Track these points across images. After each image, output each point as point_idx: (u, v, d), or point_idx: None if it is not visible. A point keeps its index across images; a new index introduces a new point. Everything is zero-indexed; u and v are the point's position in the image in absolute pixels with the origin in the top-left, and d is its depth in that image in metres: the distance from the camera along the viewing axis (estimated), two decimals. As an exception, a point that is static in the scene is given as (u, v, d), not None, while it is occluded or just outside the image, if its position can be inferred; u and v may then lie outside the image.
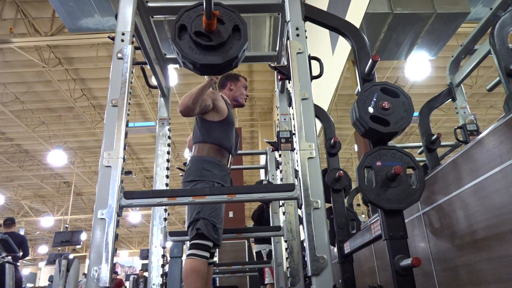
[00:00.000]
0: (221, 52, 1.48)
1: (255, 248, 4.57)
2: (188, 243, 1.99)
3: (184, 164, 3.84)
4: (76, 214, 17.93)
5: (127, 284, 12.64)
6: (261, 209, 4.42)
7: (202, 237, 1.90)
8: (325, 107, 5.47)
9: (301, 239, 2.14)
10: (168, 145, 2.44)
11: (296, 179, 1.42)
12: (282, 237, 2.48)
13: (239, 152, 5.31)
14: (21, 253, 5.27)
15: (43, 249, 21.34)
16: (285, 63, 1.73)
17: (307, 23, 1.69)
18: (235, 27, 1.52)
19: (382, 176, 1.34)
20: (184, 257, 2.84)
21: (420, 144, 2.70)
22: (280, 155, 2.55)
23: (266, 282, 4.31)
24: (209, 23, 1.45)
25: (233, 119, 2.25)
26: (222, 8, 1.52)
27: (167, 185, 2.34)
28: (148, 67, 2.24)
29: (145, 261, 10.99)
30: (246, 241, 5.63)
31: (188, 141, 2.51)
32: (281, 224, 2.45)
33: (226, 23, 1.50)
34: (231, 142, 2.18)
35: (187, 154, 3.81)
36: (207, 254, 1.90)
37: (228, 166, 2.18)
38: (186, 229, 2.02)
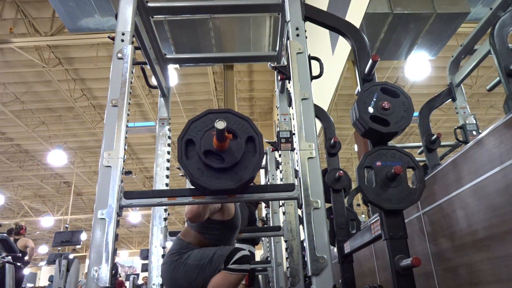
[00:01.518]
0: (234, 174, 1.31)
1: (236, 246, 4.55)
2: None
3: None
4: (76, 214, 17.93)
5: (127, 284, 12.64)
6: (244, 207, 4.40)
7: (235, 252, 1.77)
8: (325, 107, 5.47)
9: (301, 239, 2.14)
10: (168, 145, 2.44)
11: (296, 179, 1.42)
12: (282, 237, 2.48)
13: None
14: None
15: (43, 249, 21.35)
16: (285, 63, 1.73)
17: (307, 23, 1.69)
18: (249, 138, 1.36)
19: (382, 176, 1.34)
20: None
21: (420, 144, 2.70)
22: (280, 155, 2.55)
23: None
24: (221, 145, 1.30)
25: (239, 222, 2.04)
26: (233, 117, 1.37)
27: (167, 185, 2.34)
28: (148, 67, 2.24)
29: (145, 261, 10.99)
30: None
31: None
32: (281, 224, 2.44)
33: (238, 137, 1.34)
34: (229, 240, 1.99)
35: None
36: (247, 267, 1.76)
37: None
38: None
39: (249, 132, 1.36)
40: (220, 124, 1.22)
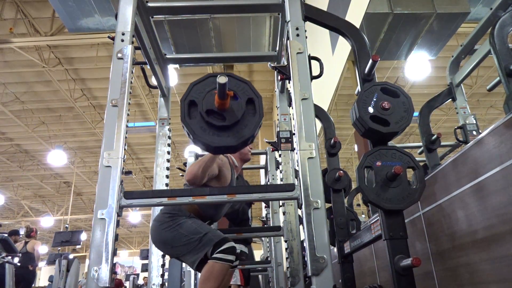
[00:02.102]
0: (235, 132, 1.37)
1: None
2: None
3: (184, 164, 3.85)
4: (76, 214, 17.93)
5: (127, 284, 12.64)
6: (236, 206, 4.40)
7: (222, 242, 1.82)
8: (325, 107, 5.47)
9: (301, 239, 2.14)
10: (168, 145, 2.44)
11: (296, 179, 1.42)
12: (282, 237, 2.48)
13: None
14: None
15: (43, 249, 21.35)
16: (285, 63, 1.73)
17: (307, 23, 1.69)
18: (249, 100, 1.42)
19: (382, 176, 1.34)
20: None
21: (420, 144, 2.70)
22: (280, 155, 2.55)
23: (231, 283, 4.31)
24: (222, 102, 1.35)
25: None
26: (234, 80, 1.42)
27: (167, 185, 2.34)
28: (148, 67, 2.24)
29: (145, 261, 10.99)
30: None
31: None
32: (281, 224, 2.44)
33: (239, 98, 1.40)
34: (217, 214, 2.09)
35: (187, 154, 3.81)
36: (233, 258, 1.81)
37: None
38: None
39: (249, 94, 1.42)
40: (222, 79, 1.27)
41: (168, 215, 1.91)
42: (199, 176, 1.85)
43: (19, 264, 5.01)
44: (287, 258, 2.31)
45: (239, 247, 4.38)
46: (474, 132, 2.56)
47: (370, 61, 1.51)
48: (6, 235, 4.75)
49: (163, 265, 2.16)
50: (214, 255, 1.78)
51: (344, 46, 4.41)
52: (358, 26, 2.52)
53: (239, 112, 1.38)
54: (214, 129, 1.37)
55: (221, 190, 1.56)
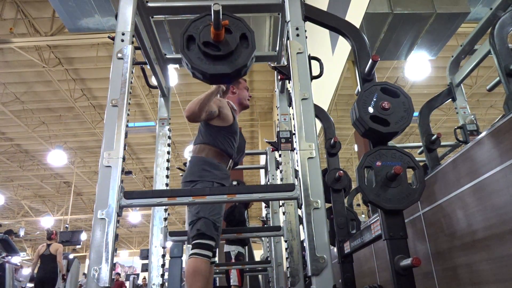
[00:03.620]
0: (230, 62, 1.48)
1: (225, 248, 4.58)
2: (187, 243, 1.99)
3: (184, 164, 3.85)
4: (76, 214, 17.93)
5: (127, 284, 12.64)
6: (232, 208, 4.41)
7: (203, 237, 1.90)
8: (325, 107, 5.47)
9: (301, 239, 2.14)
10: (168, 145, 2.44)
11: (296, 179, 1.42)
12: (282, 237, 2.48)
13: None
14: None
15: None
16: (285, 63, 1.73)
17: (307, 23, 1.69)
18: (243, 35, 1.52)
19: (382, 176, 1.34)
20: (184, 257, 2.83)
21: (420, 144, 2.70)
22: (280, 155, 2.55)
23: (231, 284, 4.32)
24: (217, 33, 1.45)
25: (237, 128, 2.27)
26: (228, 17, 1.51)
27: (167, 185, 2.34)
28: (148, 67, 2.24)
29: (145, 261, 10.98)
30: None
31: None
32: (281, 224, 2.44)
33: (233, 32, 1.50)
34: (233, 149, 2.20)
35: (187, 154, 3.80)
36: (210, 253, 1.90)
37: (227, 168, 2.19)
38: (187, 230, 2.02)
39: (243, 29, 1.53)
40: (216, 6, 1.37)
41: (189, 178, 2.03)
42: (196, 112, 1.96)
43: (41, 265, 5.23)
44: (287, 258, 2.31)
45: (236, 248, 4.39)
46: (474, 132, 2.56)
47: (370, 61, 1.51)
48: (6, 235, 4.76)
49: (163, 265, 2.16)
50: (192, 251, 1.89)
51: (344, 46, 4.41)
52: (358, 26, 2.52)
53: (233, 43, 1.49)
54: (210, 59, 1.48)
55: (221, 190, 1.56)
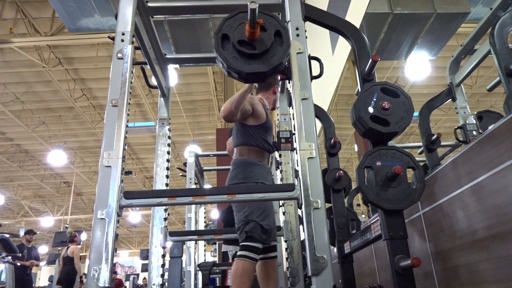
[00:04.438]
0: (265, 60, 1.47)
1: (223, 248, 4.58)
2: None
3: (184, 164, 3.84)
4: (76, 214, 17.93)
5: (127, 284, 12.64)
6: (229, 207, 4.40)
7: (251, 240, 1.96)
8: (325, 107, 5.47)
9: (301, 239, 2.14)
10: (168, 145, 2.44)
11: (296, 179, 1.42)
12: (282, 237, 2.48)
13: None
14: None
15: (43, 249, 21.33)
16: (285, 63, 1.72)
17: (307, 23, 1.69)
18: (277, 32, 1.51)
19: (382, 176, 1.34)
20: (184, 257, 2.83)
21: (420, 144, 2.70)
22: (280, 155, 2.55)
23: (228, 284, 4.32)
24: (252, 31, 1.44)
25: (271, 123, 2.32)
26: (262, 15, 1.51)
27: (167, 185, 2.34)
28: (148, 67, 2.24)
29: (145, 261, 10.99)
30: None
31: (227, 144, 2.60)
32: (281, 224, 2.44)
33: (268, 30, 1.50)
34: (269, 144, 2.26)
35: (188, 154, 3.81)
36: (257, 256, 1.96)
37: (269, 165, 2.28)
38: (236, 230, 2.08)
39: (277, 26, 1.52)
40: (253, 5, 1.36)
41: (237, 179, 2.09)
42: (233, 111, 2.00)
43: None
44: (287, 258, 2.31)
45: (234, 248, 4.39)
46: (474, 132, 2.56)
47: (370, 61, 1.51)
48: (6, 235, 4.74)
49: (163, 265, 2.16)
50: (239, 253, 1.95)
51: (344, 46, 4.41)
52: (358, 26, 2.52)
53: (268, 41, 1.48)
54: (246, 58, 1.47)
55: (221, 190, 1.56)
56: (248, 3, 1.36)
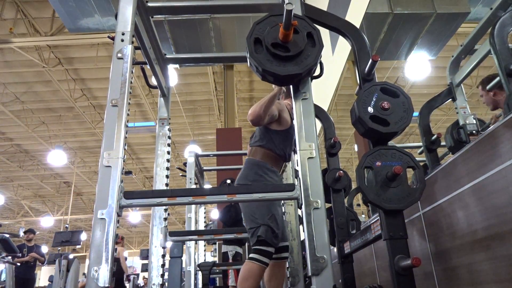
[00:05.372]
0: (299, 62, 1.47)
1: (223, 248, 4.59)
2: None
3: (184, 164, 3.84)
4: (76, 214, 17.93)
5: (127, 284, 12.62)
6: (228, 207, 4.41)
7: (264, 244, 1.96)
8: (325, 107, 5.47)
9: (301, 239, 2.14)
10: (168, 145, 2.44)
11: (296, 179, 1.42)
12: (282, 237, 2.48)
13: (239, 152, 5.32)
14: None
15: (43, 249, 21.32)
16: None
17: (307, 23, 1.68)
18: (308, 34, 1.51)
19: (382, 176, 1.34)
20: (184, 257, 2.83)
21: (420, 144, 2.70)
22: (280, 155, 2.55)
23: (229, 284, 4.32)
24: (286, 33, 1.44)
25: (294, 131, 2.30)
26: (294, 17, 1.51)
27: (167, 185, 2.34)
28: (148, 67, 2.24)
29: (145, 261, 10.98)
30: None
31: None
32: (281, 224, 2.44)
33: (300, 32, 1.50)
34: (288, 152, 2.23)
35: (188, 154, 3.80)
36: (268, 261, 1.96)
37: (280, 173, 2.26)
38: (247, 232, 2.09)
39: (308, 28, 1.52)
40: (289, 6, 1.35)
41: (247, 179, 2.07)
42: (261, 115, 1.98)
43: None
44: (287, 258, 2.30)
45: (234, 248, 4.39)
46: (474, 132, 2.56)
47: (370, 61, 1.51)
48: (6, 235, 4.74)
49: (163, 265, 2.16)
50: (250, 256, 1.94)
51: (344, 46, 4.41)
52: (358, 26, 2.52)
53: (302, 43, 1.48)
54: (280, 60, 1.46)
55: (220, 190, 1.56)
56: (285, 5, 1.35)
